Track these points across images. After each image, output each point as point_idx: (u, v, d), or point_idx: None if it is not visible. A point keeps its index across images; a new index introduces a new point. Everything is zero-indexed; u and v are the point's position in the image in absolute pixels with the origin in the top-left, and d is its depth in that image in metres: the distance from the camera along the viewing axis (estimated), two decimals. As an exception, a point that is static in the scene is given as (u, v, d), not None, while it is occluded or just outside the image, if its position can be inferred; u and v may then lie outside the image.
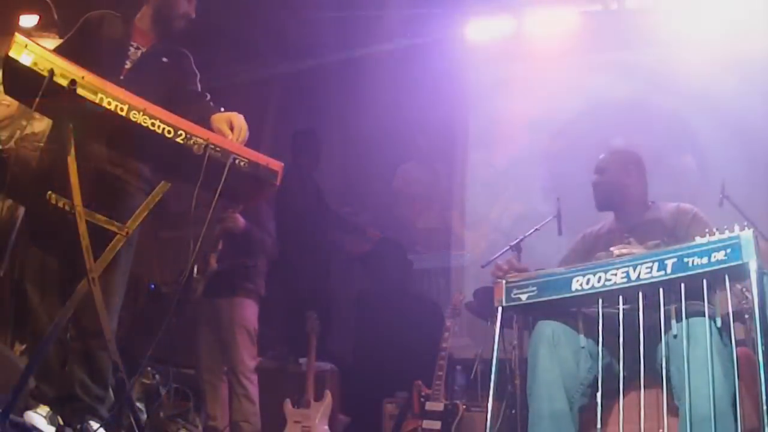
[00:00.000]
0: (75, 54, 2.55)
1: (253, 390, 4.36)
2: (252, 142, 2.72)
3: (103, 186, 2.73)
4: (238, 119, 2.74)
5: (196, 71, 3.14)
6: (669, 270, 2.31)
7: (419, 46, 6.16)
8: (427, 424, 4.48)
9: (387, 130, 5.95)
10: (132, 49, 2.98)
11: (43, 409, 2.67)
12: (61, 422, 2.69)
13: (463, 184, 6.63)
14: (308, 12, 6.04)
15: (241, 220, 4.37)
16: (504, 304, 2.61)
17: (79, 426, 2.65)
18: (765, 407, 2.05)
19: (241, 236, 4.41)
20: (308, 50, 6.40)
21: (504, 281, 2.62)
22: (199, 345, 4.46)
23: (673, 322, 2.35)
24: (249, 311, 4.47)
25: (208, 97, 3.04)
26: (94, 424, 2.69)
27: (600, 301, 2.47)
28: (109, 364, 2.73)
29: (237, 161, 2.41)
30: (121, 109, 2.30)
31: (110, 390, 2.87)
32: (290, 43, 6.45)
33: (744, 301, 3.26)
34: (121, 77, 2.84)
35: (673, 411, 2.32)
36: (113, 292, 2.81)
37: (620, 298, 2.40)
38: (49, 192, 2.41)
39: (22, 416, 2.58)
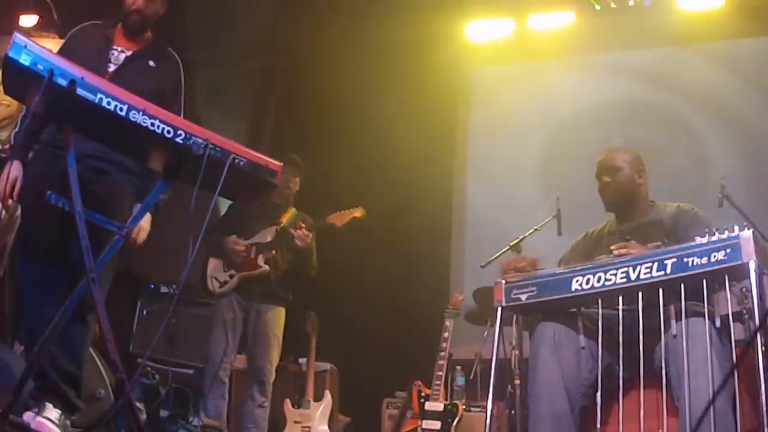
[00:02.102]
0: None
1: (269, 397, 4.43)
2: (253, 136, 2.72)
3: (96, 188, 2.74)
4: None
5: (182, 87, 3.13)
6: (669, 270, 2.31)
7: (420, 45, 6.16)
8: (426, 424, 4.48)
9: (387, 129, 5.94)
10: (115, 53, 3.00)
11: (54, 413, 2.65)
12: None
13: (464, 183, 6.63)
14: (309, 9, 6.04)
15: (310, 240, 4.47)
16: (503, 304, 2.61)
17: (35, 409, 2.61)
18: (765, 407, 2.05)
19: (300, 252, 4.50)
20: (308, 47, 6.39)
21: (504, 281, 2.62)
22: (219, 341, 4.38)
23: (673, 322, 2.35)
24: (282, 322, 4.53)
25: None
26: (53, 411, 2.64)
27: (600, 301, 2.47)
28: (88, 346, 2.75)
29: (236, 161, 2.40)
30: (121, 109, 2.29)
31: (110, 391, 2.87)
32: (290, 38, 6.44)
33: (744, 301, 3.26)
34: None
35: (673, 411, 2.32)
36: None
37: (620, 298, 2.40)
38: (49, 192, 2.40)
39: (21, 416, 2.58)
